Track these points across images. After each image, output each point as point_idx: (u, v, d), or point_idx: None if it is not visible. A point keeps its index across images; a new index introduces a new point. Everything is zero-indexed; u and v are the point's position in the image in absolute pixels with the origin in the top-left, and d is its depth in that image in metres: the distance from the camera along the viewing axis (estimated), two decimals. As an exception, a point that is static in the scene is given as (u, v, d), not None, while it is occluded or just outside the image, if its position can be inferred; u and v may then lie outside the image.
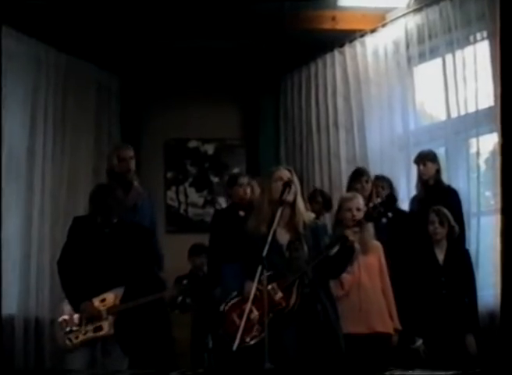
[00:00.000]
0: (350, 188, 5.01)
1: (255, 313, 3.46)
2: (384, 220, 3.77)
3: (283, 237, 3.64)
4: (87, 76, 6.28)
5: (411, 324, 4.27)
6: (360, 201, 4.13)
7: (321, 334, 3.49)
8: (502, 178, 2.91)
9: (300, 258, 3.58)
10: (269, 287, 3.44)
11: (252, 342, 3.42)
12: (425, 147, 5.24)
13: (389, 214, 3.57)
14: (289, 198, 3.65)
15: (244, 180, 5.04)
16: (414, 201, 5.11)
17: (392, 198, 3.74)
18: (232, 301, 3.66)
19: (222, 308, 3.67)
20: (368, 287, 4.11)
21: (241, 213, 4.95)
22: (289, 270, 3.56)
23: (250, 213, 4.49)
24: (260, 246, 3.35)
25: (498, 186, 3.03)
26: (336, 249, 3.56)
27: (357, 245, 3.74)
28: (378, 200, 3.63)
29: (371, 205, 3.67)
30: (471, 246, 4.85)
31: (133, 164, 4.77)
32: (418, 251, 4.54)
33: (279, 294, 3.52)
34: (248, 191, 4.99)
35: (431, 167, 4.93)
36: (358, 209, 4.05)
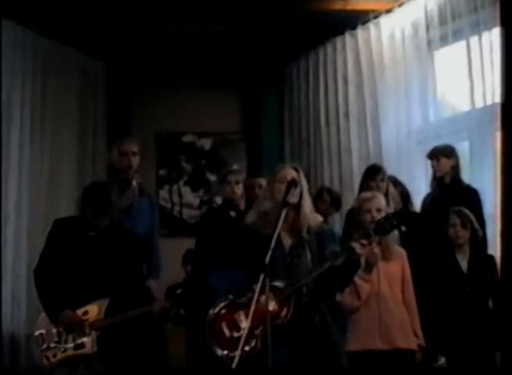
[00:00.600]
0: (363, 188, 4.96)
1: (246, 325, 3.39)
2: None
3: (285, 241, 3.61)
4: (70, 62, 6.27)
5: (433, 340, 4.18)
6: (381, 201, 4.07)
7: (318, 348, 3.45)
8: (502, 178, 2.95)
9: (301, 265, 3.54)
10: (264, 297, 3.34)
11: (244, 354, 3.33)
12: (447, 141, 5.21)
13: (403, 227, 3.47)
14: (294, 199, 3.60)
15: (232, 177, 4.99)
16: (427, 200, 5.04)
17: (406, 210, 3.61)
18: (222, 308, 3.58)
19: (209, 315, 3.59)
20: (389, 298, 4.03)
21: (232, 214, 4.94)
22: (288, 278, 3.51)
23: (241, 214, 4.70)
24: (262, 251, 3.31)
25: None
26: (341, 260, 3.51)
27: (377, 250, 3.65)
28: (391, 210, 3.54)
29: (382, 215, 3.63)
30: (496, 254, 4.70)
31: (135, 161, 4.70)
32: (438, 257, 4.49)
33: (274, 306, 3.44)
34: (238, 189, 4.95)
35: (445, 163, 4.90)
36: (379, 210, 3.99)
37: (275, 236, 3.42)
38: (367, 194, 4.21)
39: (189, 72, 6.91)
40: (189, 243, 5.96)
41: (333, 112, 6.43)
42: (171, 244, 6.27)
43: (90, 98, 6.60)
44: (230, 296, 3.59)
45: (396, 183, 5.07)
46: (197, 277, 4.97)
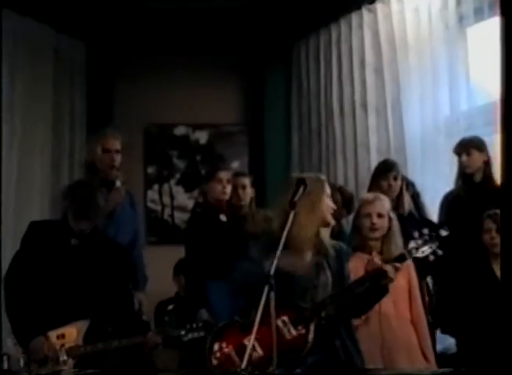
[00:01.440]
0: (372, 186, 5.02)
1: (260, 353, 3.38)
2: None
3: (306, 256, 3.61)
4: (41, 42, 6.19)
5: (464, 364, 4.23)
6: (384, 204, 4.13)
7: None
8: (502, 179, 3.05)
9: (319, 286, 3.52)
10: (279, 320, 3.38)
11: None
12: (480, 133, 5.19)
13: (439, 251, 3.55)
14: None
15: (224, 174, 5.05)
16: (448, 199, 5.02)
17: (441, 229, 3.63)
18: (226, 330, 3.54)
19: (210, 337, 3.57)
20: (392, 316, 4.06)
21: (222, 218, 5.00)
22: (305, 300, 3.50)
23: (233, 218, 4.91)
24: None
25: None
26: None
27: (378, 260, 3.63)
28: (418, 242, 3.56)
29: (411, 246, 3.60)
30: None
31: (118, 159, 4.77)
32: (471, 267, 4.54)
33: (293, 332, 3.43)
34: (228, 189, 5.00)
35: (476, 158, 4.90)
36: (380, 216, 4.06)
37: (282, 243, 3.43)
38: (368, 196, 4.27)
39: (182, 54, 6.89)
40: (182, 251, 6.03)
41: (348, 100, 6.39)
42: (161, 253, 6.40)
43: (67, 84, 6.57)
44: (236, 317, 3.57)
45: (408, 183, 5.07)
46: (192, 291, 4.97)
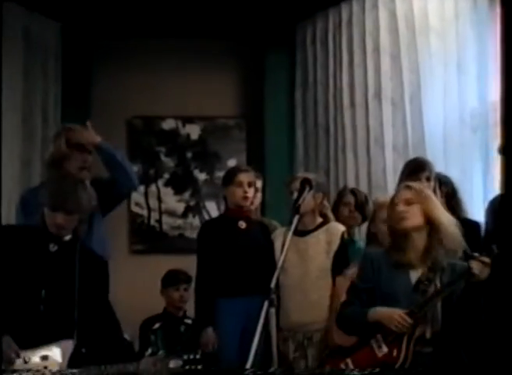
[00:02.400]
0: None
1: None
2: None
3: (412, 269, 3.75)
4: (9, 22, 6.09)
5: None
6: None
7: None
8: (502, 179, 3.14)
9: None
10: (373, 339, 3.65)
11: None
12: None
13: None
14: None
15: (244, 177, 4.99)
16: (494, 206, 4.93)
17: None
18: None
19: None
20: None
21: (241, 224, 4.97)
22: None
23: (253, 225, 4.93)
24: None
25: None
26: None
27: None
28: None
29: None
30: None
31: (90, 159, 4.74)
32: None
33: (384, 349, 3.64)
34: (250, 193, 4.96)
35: None
36: None
37: (284, 253, 3.70)
38: (386, 199, 4.18)
39: (171, 36, 6.92)
40: (171, 262, 6.19)
41: (360, 89, 6.38)
42: (147, 263, 6.53)
43: (39, 71, 6.56)
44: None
45: (441, 182, 5.04)
46: (202, 309, 4.93)
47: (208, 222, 5.65)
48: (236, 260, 4.78)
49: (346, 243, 4.75)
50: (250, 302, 4.61)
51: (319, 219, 4.79)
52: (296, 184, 4.29)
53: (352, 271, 4.09)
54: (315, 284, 4.62)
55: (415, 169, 4.93)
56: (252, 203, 5.10)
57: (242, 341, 4.66)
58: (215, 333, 4.78)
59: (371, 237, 4.18)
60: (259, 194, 5.22)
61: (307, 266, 4.66)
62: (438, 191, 4.86)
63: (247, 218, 4.97)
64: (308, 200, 4.56)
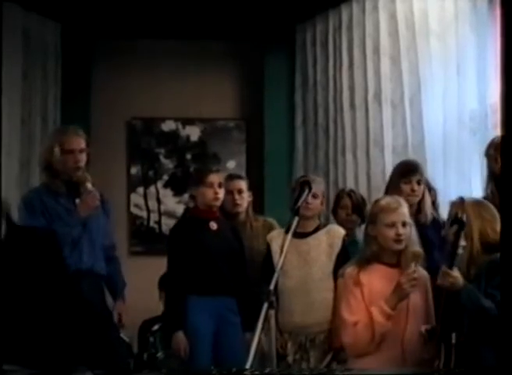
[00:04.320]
0: (390, 190, 4.97)
1: None
2: None
3: None
4: (8, 22, 5.96)
5: None
6: (407, 211, 4.10)
7: None
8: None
9: None
10: None
11: None
12: None
13: None
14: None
15: (215, 178, 5.00)
16: None
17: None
18: None
19: None
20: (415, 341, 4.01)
21: (212, 226, 4.97)
22: None
23: (223, 226, 4.94)
24: None
25: None
26: None
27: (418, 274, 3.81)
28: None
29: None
30: None
31: (83, 159, 4.71)
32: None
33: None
34: (221, 194, 4.96)
35: None
36: (405, 225, 4.02)
37: (284, 254, 3.69)
38: (390, 202, 4.16)
39: (171, 37, 6.91)
40: None
41: (360, 91, 6.36)
42: (147, 265, 6.44)
43: (38, 71, 6.55)
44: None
45: (430, 186, 5.07)
46: (172, 308, 4.93)
47: (178, 223, 5.54)
48: (207, 261, 4.77)
49: (347, 245, 4.75)
50: (221, 303, 4.69)
51: (317, 222, 4.79)
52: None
53: (350, 269, 4.06)
54: (318, 286, 4.63)
55: (407, 171, 4.94)
56: (239, 205, 5.14)
57: (215, 342, 4.69)
58: (186, 337, 4.72)
59: (370, 239, 4.09)
60: (245, 195, 5.18)
61: (310, 267, 4.66)
62: (427, 194, 4.92)
63: (218, 219, 4.96)
64: (317, 204, 4.68)
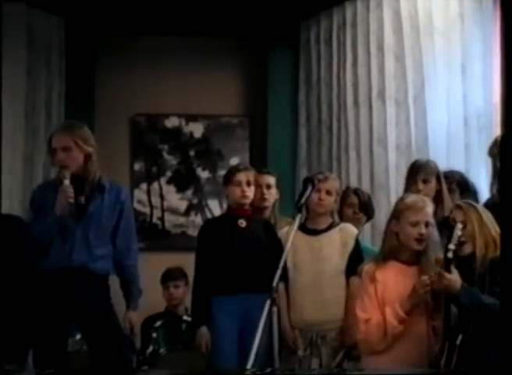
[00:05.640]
0: (405, 190, 4.99)
1: None
2: None
3: None
4: (11, 19, 6.04)
5: None
6: (431, 211, 4.10)
7: None
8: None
9: None
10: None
11: None
12: None
13: None
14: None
15: (243, 176, 4.96)
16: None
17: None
18: None
19: None
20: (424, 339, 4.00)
21: (241, 223, 4.93)
22: None
23: (253, 223, 4.91)
24: None
25: None
26: None
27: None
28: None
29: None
30: None
31: (68, 157, 4.58)
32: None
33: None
34: (249, 192, 4.93)
35: None
36: (427, 225, 4.01)
37: (287, 251, 3.72)
38: (415, 200, 4.15)
39: (174, 34, 6.89)
40: (173, 259, 6.18)
41: (364, 89, 6.35)
42: (150, 261, 6.27)
43: (43, 68, 6.54)
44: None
45: (462, 184, 5.13)
46: (198, 306, 4.88)
47: (208, 220, 5.64)
48: (235, 258, 4.73)
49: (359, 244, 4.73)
50: (248, 301, 4.60)
51: (330, 219, 4.75)
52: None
53: (367, 266, 4.06)
54: (330, 283, 4.59)
55: (412, 171, 4.95)
56: (266, 200, 5.14)
57: (240, 341, 4.63)
58: (210, 332, 4.70)
59: (391, 234, 4.09)
60: (273, 191, 5.19)
61: (322, 265, 4.61)
62: (446, 193, 4.88)
63: (248, 216, 4.93)
64: (330, 201, 4.67)
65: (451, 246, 3.74)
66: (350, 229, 4.74)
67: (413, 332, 3.94)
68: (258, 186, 5.08)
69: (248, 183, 4.92)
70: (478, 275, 3.82)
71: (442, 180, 4.91)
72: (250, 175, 4.98)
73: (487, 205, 4.83)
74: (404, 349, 3.93)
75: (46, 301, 4.31)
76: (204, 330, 4.73)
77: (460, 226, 3.79)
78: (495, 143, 4.90)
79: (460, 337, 3.70)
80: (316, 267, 4.61)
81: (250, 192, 4.94)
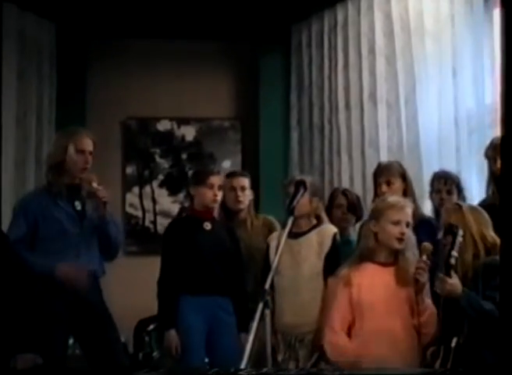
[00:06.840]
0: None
1: None
2: None
3: None
4: (3, 22, 5.95)
5: None
6: (410, 211, 4.12)
7: None
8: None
9: None
10: None
11: None
12: None
13: None
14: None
15: (216, 179, 4.97)
16: None
17: None
18: None
19: None
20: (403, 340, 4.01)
21: (207, 226, 4.95)
22: None
23: (217, 227, 4.93)
24: None
25: None
26: None
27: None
28: None
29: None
30: None
31: (90, 161, 4.69)
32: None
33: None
34: (219, 196, 4.93)
35: None
36: (408, 225, 4.04)
37: (279, 254, 3.75)
38: (397, 199, 4.20)
39: (166, 37, 6.91)
40: None
41: (355, 91, 6.37)
42: (142, 265, 6.40)
43: (34, 71, 6.54)
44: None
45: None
46: (165, 306, 4.87)
47: (173, 222, 5.57)
48: (200, 260, 4.73)
49: (339, 245, 4.67)
50: (214, 303, 4.65)
51: (314, 221, 4.71)
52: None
53: (343, 270, 4.05)
54: (308, 286, 4.55)
55: (375, 175, 4.97)
56: (241, 202, 5.12)
57: (208, 342, 4.65)
58: (179, 335, 4.68)
59: (369, 235, 4.09)
60: (248, 193, 5.14)
61: (300, 267, 4.58)
62: (411, 193, 4.87)
63: (213, 219, 4.94)
64: (304, 204, 4.53)
65: (454, 253, 3.75)
66: (328, 229, 4.69)
67: (386, 332, 3.94)
68: (233, 189, 5.07)
69: (219, 188, 4.93)
70: (471, 278, 3.82)
71: (409, 180, 4.89)
72: (221, 179, 5.01)
73: (482, 205, 4.79)
74: (378, 350, 3.91)
75: (47, 304, 4.29)
76: (173, 332, 4.71)
77: (461, 232, 3.79)
78: (490, 145, 4.86)
79: (454, 340, 3.69)
80: (296, 270, 4.59)
81: (220, 196, 4.95)
